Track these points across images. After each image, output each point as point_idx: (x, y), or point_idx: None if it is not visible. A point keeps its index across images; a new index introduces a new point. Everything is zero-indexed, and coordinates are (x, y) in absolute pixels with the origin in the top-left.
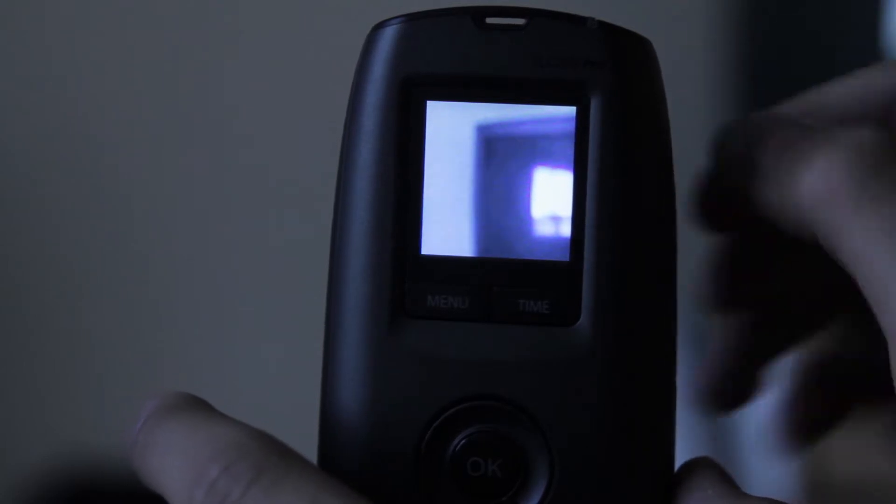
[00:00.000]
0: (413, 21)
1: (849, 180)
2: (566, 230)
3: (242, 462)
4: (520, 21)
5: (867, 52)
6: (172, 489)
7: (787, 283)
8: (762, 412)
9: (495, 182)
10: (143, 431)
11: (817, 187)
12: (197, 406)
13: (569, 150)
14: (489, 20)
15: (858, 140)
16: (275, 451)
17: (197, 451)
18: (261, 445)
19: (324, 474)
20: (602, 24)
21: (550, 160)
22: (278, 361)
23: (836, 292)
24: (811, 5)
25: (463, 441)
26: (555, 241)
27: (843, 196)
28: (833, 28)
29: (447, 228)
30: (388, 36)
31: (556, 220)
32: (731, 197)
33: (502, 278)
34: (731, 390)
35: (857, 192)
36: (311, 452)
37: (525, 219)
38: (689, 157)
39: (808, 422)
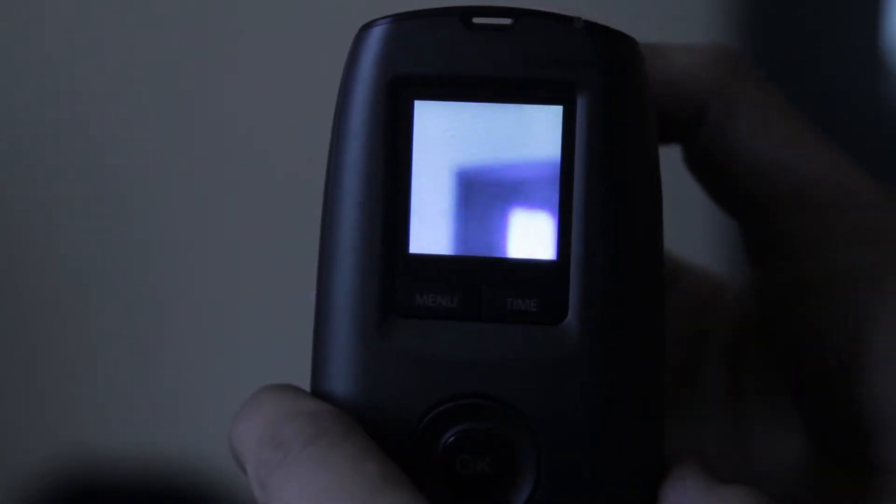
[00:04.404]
0: (401, 21)
1: (737, 60)
2: (553, 229)
3: (308, 425)
4: (507, 21)
5: (867, 52)
6: (245, 447)
7: None
8: None
9: (483, 181)
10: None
11: (718, 57)
12: (290, 386)
13: (556, 148)
14: (476, 20)
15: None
16: (340, 421)
17: (274, 414)
18: (329, 415)
19: (376, 448)
20: (588, 23)
21: (538, 159)
22: (272, 360)
23: None
24: (811, 5)
25: (452, 439)
26: (542, 240)
27: (742, 72)
28: (833, 28)
29: (435, 227)
30: (376, 36)
31: (543, 218)
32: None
33: (490, 277)
34: None
35: (752, 72)
36: None
37: (512, 218)
38: (680, 156)
39: None
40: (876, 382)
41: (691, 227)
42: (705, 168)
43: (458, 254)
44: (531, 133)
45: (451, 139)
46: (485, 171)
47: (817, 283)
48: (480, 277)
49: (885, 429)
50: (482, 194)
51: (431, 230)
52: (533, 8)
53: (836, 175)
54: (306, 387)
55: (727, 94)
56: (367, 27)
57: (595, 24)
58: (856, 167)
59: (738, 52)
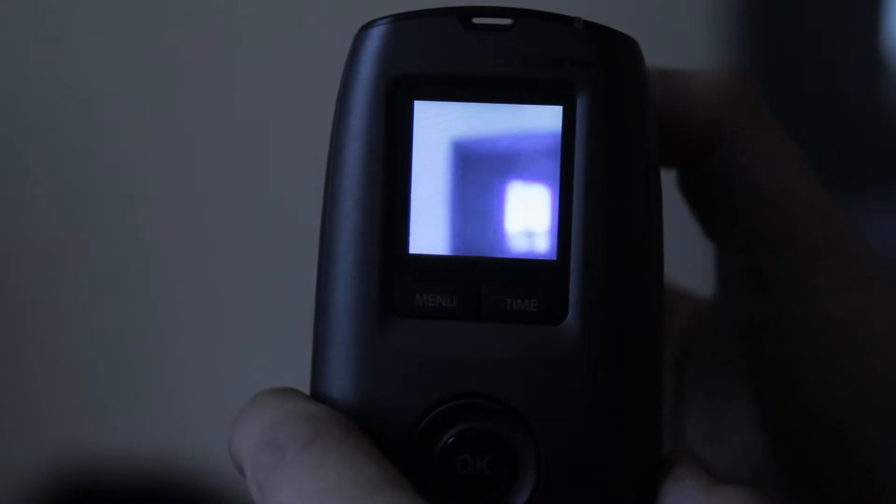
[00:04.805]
0: (400, 21)
1: (750, 87)
2: (553, 229)
3: (306, 428)
4: (506, 21)
5: (867, 52)
6: (243, 450)
7: None
8: None
9: (482, 181)
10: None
11: (732, 86)
12: (289, 390)
13: (555, 149)
14: (476, 20)
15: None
16: (337, 423)
17: (271, 417)
18: (327, 417)
19: (374, 450)
20: (588, 23)
21: (537, 159)
22: (274, 361)
23: None
24: (811, 5)
25: (452, 439)
26: (542, 240)
27: (754, 103)
28: (833, 28)
29: (435, 227)
30: (376, 36)
31: (543, 219)
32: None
33: (490, 277)
34: None
35: (760, 102)
36: None
37: (512, 218)
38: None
39: None
40: (846, 429)
41: (691, 228)
42: (703, 195)
43: (458, 254)
44: (531, 133)
45: (450, 139)
46: (484, 172)
47: (799, 324)
48: (480, 277)
49: (848, 473)
50: (482, 194)
51: (431, 230)
52: (533, 8)
53: (828, 218)
54: (307, 389)
55: (740, 125)
56: (366, 27)
57: (595, 25)
58: (842, 209)
59: (751, 81)
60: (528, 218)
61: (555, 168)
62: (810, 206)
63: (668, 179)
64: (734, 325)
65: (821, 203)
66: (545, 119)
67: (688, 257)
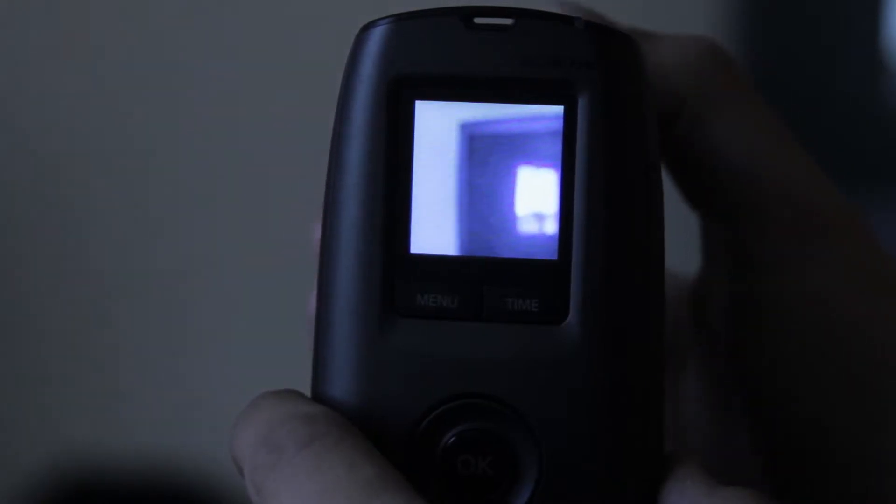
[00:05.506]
0: (402, 21)
1: (721, 57)
2: (554, 229)
3: (304, 429)
4: (508, 21)
5: (867, 52)
6: (242, 451)
7: None
8: None
9: (484, 181)
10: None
11: (703, 54)
12: (289, 391)
13: (556, 149)
14: (477, 20)
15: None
16: (336, 424)
17: (270, 418)
18: (325, 418)
19: (372, 451)
20: (589, 23)
21: (538, 159)
22: (276, 362)
23: None
24: (811, 5)
25: (453, 439)
26: (543, 240)
27: (725, 73)
28: (833, 28)
29: (436, 227)
30: (377, 36)
31: (544, 218)
32: None
33: (491, 277)
34: None
35: (737, 73)
36: None
37: (513, 217)
38: None
39: None
40: (816, 416)
41: (691, 227)
42: (676, 161)
43: (459, 254)
44: (532, 133)
45: (451, 139)
46: (485, 172)
47: (766, 307)
48: (481, 277)
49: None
50: (483, 194)
51: (432, 230)
52: (533, 8)
53: (802, 192)
54: (300, 386)
55: (705, 94)
56: (367, 27)
57: (596, 25)
58: (824, 181)
59: (725, 50)
60: (529, 217)
61: (555, 168)
62: (779, 181)
63: (669, 180)
64: (702, 297)
65: (793, 177)
66: (546, 118)
67: (688, 257)
